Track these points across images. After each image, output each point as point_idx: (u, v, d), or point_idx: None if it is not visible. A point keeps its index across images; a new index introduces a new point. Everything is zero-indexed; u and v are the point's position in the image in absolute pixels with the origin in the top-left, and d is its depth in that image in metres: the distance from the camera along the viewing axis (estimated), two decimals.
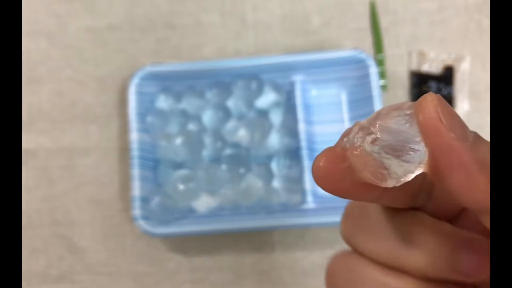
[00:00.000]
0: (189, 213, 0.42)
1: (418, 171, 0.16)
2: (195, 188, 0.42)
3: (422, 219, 0.18)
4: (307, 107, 0.43)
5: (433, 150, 0.15)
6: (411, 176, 0.16)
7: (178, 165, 0.43)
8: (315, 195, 0.41)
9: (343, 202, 0.46)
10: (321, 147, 0.43)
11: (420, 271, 0.17)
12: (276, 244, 0.43)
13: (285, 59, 0.43)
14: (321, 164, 0.16)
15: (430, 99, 0.15)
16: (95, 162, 0.45)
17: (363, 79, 0.42)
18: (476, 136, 0.15)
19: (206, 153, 0.43)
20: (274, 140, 0.43)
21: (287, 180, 0.42)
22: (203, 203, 0.42)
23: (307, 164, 0.41)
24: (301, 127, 0.42)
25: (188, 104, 0.44)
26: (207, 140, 0.43)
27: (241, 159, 0.42)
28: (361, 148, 0.16)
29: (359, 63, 0.42)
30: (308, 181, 0.41)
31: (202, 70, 0.43)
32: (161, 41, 0.47)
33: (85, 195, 0.45)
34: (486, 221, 0.15)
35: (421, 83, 0.45)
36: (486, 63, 0.45)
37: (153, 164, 0.43)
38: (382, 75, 0.45)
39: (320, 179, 0.17)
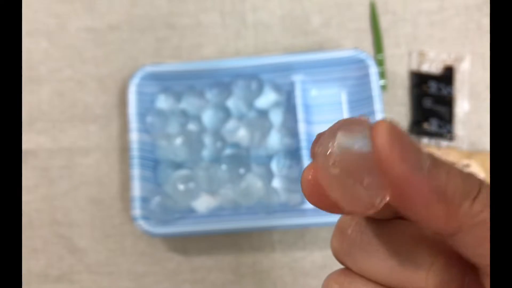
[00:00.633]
0: (189, 213, 0.42)
1: (383, 200, 0.15)
2: (195, 188, 0.42)
3: (415, 234, 0.17)
4: (307, 107, 0.43)
5: (389, 182, 0.14)
6: (380, 204, 0.15)
7: (178, 165, 0.43)
8: None
9: None
10: None
11: None
12: (276, 244, 0.43)
13: (285, 59, 0.43)
14: (309, 177, 0.16)
15: (381, 129, 0.14)
16: (95, 162, 0.45)
17: (363, 79, 0.42)
18: (433, 160, 0.15)
19: (206, 153, 0.43)
20: (274, 140, 0.43)
21: (287, 180, 0.42)
22: (203, 203, 0.42)
23: (307, 164, 0.41)
24: (301, 127, 0.42)
25: (188, 104, 0.44)
26: (207, 140, 0.43)
27: (241, 159, 0.42)
28: (326, 170, 0.15)
29: (359, 63, 0.42)
30: None
31: (202, 70, 0.43)
32: (161, 41, 0.47)
33: (85, 195, 0.45)
34: (454, 245, 0.15)
35: (421, 83, 0.45)
36: (486, 63, 0.45)
37: (153, 164, 0.43)
38: (382, 75, 0.45)
39: (309, 193, 0.16)
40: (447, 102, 0.45)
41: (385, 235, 0.17)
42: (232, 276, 0.43)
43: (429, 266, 0.16)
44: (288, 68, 0.43)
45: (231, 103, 0.44)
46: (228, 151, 0.43)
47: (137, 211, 0.40)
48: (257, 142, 0.42)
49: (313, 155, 0.16)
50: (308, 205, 0.40)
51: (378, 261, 0.17)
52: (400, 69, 0.46)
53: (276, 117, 0.44)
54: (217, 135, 0.43)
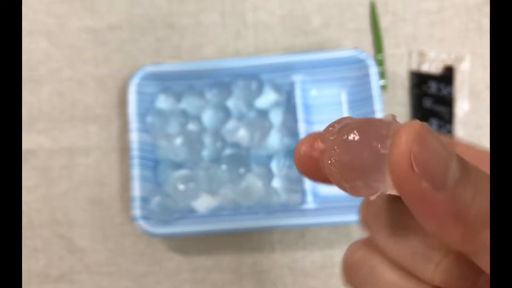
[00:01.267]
0: (189, 213, 0.42)
1: (385, 192, 0.14)
2: (195, 188, 0.42)
3: None
4: (307, 107, 0.43)
5: (401, 194, 0.13)
6: (383, 193, 0.14)
7: (178, 165, 0.43)
8: (315, 195, 0.41)
9: (343, 202, 0.45)
10: None
11: (437, 283, 0.16)
12: (276, 244, 0.43)
13: (285, 59, 0.43)
14: (302, 150, 0.16)
15: (405, 139, 0.13)
16: (95, 162, 0.45)
17: (363, 79, 0.42)
18: (463, 172, 0.13)
19: (206, 153, 0.43)
20: (274, 140, 0.43)
21: (287, 180, 0.42)
22: (203, 203, 0.42)
23: None
24: (301, 127, 0.42)
25: (188, 104, 0.44)
26: (207, 140, 0.43)
27: (241, 159, 0.42)
28: (327, 157, 0.15)
29: (359, 63, 0.42)
30: (308, 181, 0.41)
31: (202, 70, 0.43)
32: (161, 41, 0.47)
33: (85, 195, 0.45)
34: (468, 255, 0.14)
35: (421, 83, 0.45)
36: (486, 63, 0.45)
37: (153, 164, 0.43)
38: (382, 75, 0.45)
39: (301, 165, 0.16)
40: (447, 102, 0.45)
41: (406, 215, 0.16)
42: (232, 276, 0.43)
43: (439, 260, 0.16)
44: (288, 68, 0.43)
45: (231, 103, 0.44)
46: (228, 151, 0.43)
47: (137, 211, 0.40)
48: (257, 142, 0.42)
49: (324, 132, 0.15)
50: (308, 205, 0.40)
51: (399, 243, 0.17)
52: (400, 69, 0.46)
53: (276, 117, 0.44)
54: (217, 135, 0.43)
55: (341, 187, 0.15)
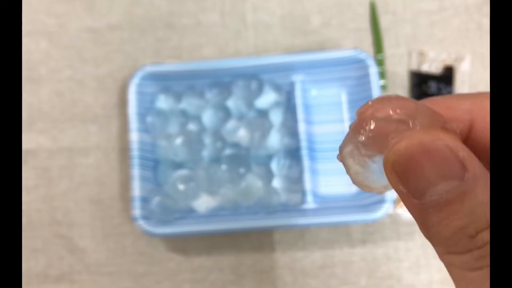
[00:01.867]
0: (189, 213, 0.42)
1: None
2: (195, 188, 0.42)
3: None
4: (307, 107, 0.43)
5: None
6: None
7: (178, 165, 0.43)
8: (315, 195, 0.41)
9: (343, 202, 0.45)
10: (321, 147, 0.43)
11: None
12: (276, 244, 0.43)
13: (285, 59, 0.43)
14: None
15: (404, 148, 0.14)
16: (95, 162, 0.45)
17: (363, 79, 0.42)
18: (444, 198, 0.14)
19: (206, 153, 0.43)
20: (274, 140, 0.43)
21: (287, 180, 0.42)
22: (203, 203, 0.42)
23: (307, 164, 0.41)
24: (301, 127, 0.42)
25: (188, 104, 0.44)
26: (207, 140, 0.43)
27: (241, 159, 0.42)
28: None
29: (359, 63, 0.42)
30: (308, 181, 0.41)
31: (202, 70, 0.43)
32: (161, 41, 0.47)
33: (85, 195, 0.45)
34: None
35: (421, 83, 0.45)
36: (486, 63, 0.45)
37: (153, 164, 0.43)
38: (382, 75, 0.45)
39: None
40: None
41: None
42: (232, 276, 0.43)
43: None
44: (288, 68, 0.43)
45: (231, 103, 0.44)
46: (228, 151, 0.43)
47: (137, 211, 0.40)
48: (257, 142, 0.42)
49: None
50: (308, 205, 0.40)
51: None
52: (400, 69, 0.46)
53: (276, 117, 0.44)
54: (217, 135, 0.43)
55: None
